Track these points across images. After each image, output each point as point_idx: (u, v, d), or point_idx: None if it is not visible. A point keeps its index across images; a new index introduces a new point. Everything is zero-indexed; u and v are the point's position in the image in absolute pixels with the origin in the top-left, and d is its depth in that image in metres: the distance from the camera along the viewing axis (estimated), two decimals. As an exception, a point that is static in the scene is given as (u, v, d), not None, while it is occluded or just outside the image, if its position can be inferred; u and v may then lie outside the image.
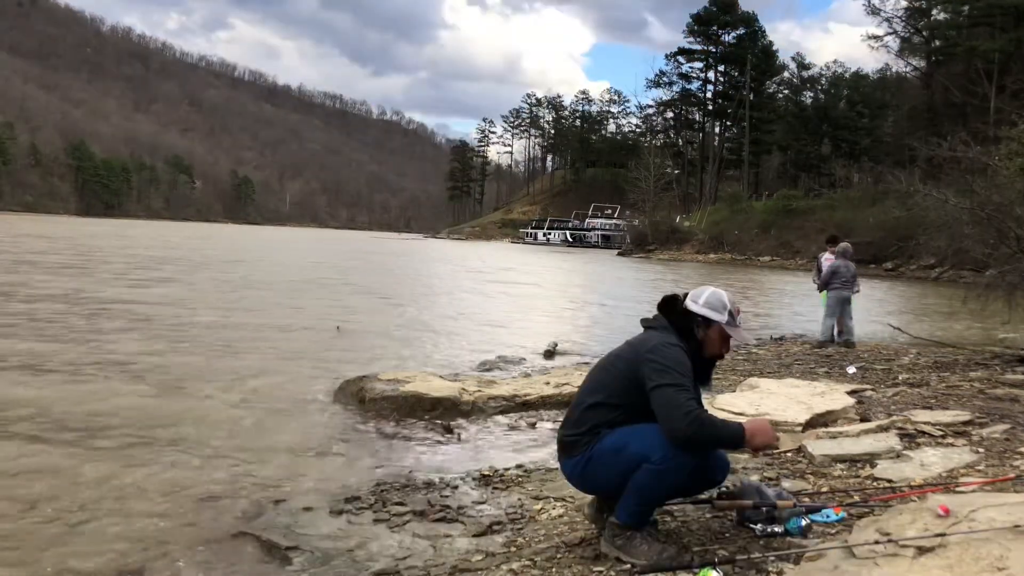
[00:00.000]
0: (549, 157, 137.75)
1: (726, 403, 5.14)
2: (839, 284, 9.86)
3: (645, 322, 2.92)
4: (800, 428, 4.68)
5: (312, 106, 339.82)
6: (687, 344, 2.79)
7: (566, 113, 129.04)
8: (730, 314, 2.82)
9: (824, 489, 3.49)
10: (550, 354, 9.26)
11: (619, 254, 62.08)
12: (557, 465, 4.44)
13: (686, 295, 2.91)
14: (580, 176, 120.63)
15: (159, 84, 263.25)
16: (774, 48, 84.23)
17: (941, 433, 4.42)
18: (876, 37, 62.44)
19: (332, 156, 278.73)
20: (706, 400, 5.31)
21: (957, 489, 3.28)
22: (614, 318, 14.32)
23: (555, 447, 5.07)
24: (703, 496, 3.01)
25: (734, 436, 2.63)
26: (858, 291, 10.14)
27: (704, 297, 2.84)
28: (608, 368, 2.88)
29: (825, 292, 10.34)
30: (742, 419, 4.70)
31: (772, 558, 2.63)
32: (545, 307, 16.43)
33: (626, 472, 2.68)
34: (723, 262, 49.58)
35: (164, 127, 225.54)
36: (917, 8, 60.12)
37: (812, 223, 47.12)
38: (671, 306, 2.88)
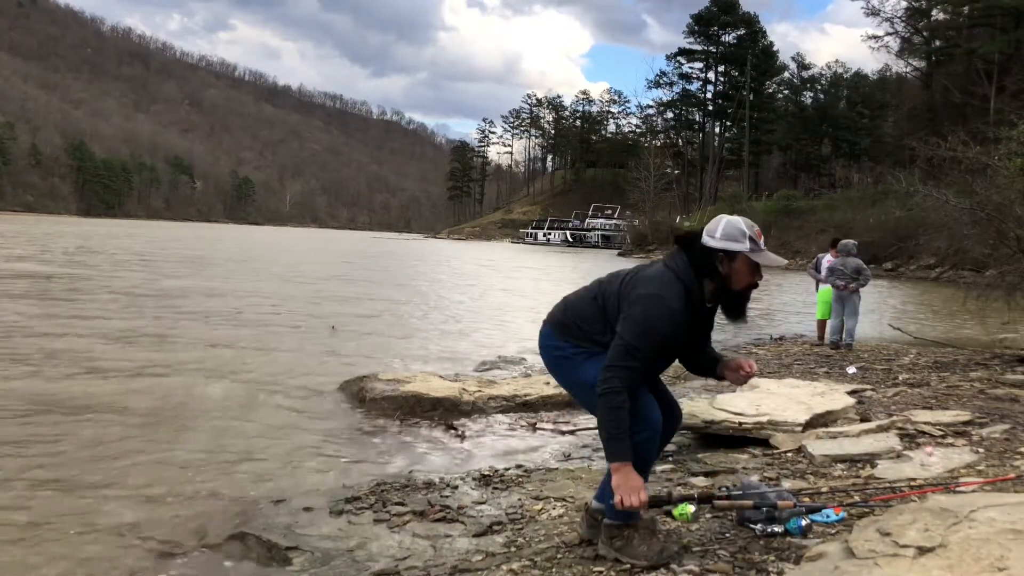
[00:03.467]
0: (549, 157, 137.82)
1: (726, 403, 5.13)
2: (834, 281, 9.74)
3: (664, 258, 2.72)
4: (800, 428, 4.67)
5: (312, 106, 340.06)
6: (714, 281, 2.62)
7: (566, 113, 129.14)
8: (751, 240, 2.61)
9: (824, 489, 3.49)
10: (550, 354, 9.24)
11: (619, 254, 62.06)
12: (557, 465, 4.46)
13: (703, 231, 2.70)
14: (580, 176, 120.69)
15: (159, 84, 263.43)
16: (774, 48, 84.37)
17: (941, 433, 4.42)
18: (876, 37, 62.61)
19: (332, 156, 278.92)
20: (705, 401, 5.34)
21: (957, 489, 3.28)
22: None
23: (555, 447, 5.09)
24: (703, 496, 3.00)
25: (614, 450, 2.53)
26: (858, 284, 9.62)
27: (720, 229, 2.63)
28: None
29: (820, 292, 10.34)
30: (742, 419, 4.73)
31: (772, 558, 2.63)
32: (546, 307, 16.39)
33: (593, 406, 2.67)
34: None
35: (164, 127, 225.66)
36: (917, 8, 60.17)
37: (812, 223, 47.16)
38: (689, 244, 2.68)
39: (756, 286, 2.69)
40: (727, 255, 2.60)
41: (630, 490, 2.49)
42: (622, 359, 2.52)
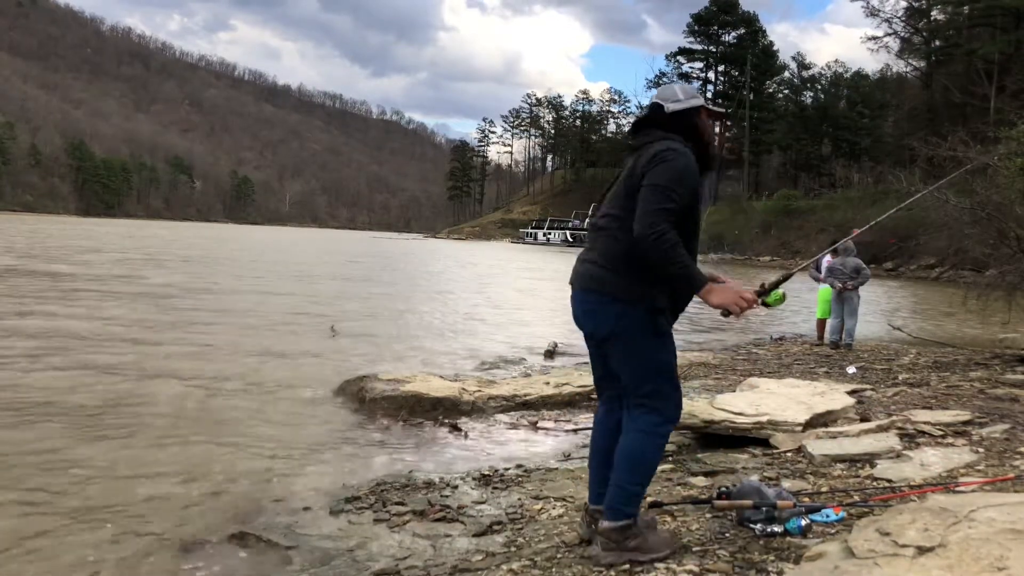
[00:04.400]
0: (549, 157, 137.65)
1: (726, 403, 5.13)
2: (832, 281, 9.73)
3: (638, 140, 2.69)
4: (800, 428, 4.67)
5: (312, 106, 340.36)
6: (693, 142, 2.66)
7: (566, 113, 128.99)
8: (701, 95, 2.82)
9: (824, 489, 3.49)
10: (550, 354, 9.26)
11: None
12: (557, 465, 4.46)
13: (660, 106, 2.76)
14: (580, 176, 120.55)
15: (159, 84, 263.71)
16: (774, 48, 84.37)
17: (941, 433, 4.42)
18: (875, 38, 62.67)
19: (332, 156, 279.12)
20: (705, 401, 5.33)
21: (957, 489, 3.28)
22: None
23: (555, 446, 5.08)
24: (703, 496, 3.01)
25: (692, 279, 2.43)
26: (856, 283, 9.57)
27: (680, 91, 2.74)
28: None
29: (819, 291, 10.35)
30: (741, 419, 4.73)
31: (772, 558, 2.63)
32: (545, 307, 16.42)
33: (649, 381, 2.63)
34: (723, 262, 49.57)
35: (164, 127, 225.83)
36: (917, 8, 60.19)
37: (812, 223, 47.27)
38: (658, 117, 2.71)
39: (715, 139, 2.87)
40: (696, 111, 2.74)
41: (734, 298, 2.47)
42: (660, 201, 2.44)
